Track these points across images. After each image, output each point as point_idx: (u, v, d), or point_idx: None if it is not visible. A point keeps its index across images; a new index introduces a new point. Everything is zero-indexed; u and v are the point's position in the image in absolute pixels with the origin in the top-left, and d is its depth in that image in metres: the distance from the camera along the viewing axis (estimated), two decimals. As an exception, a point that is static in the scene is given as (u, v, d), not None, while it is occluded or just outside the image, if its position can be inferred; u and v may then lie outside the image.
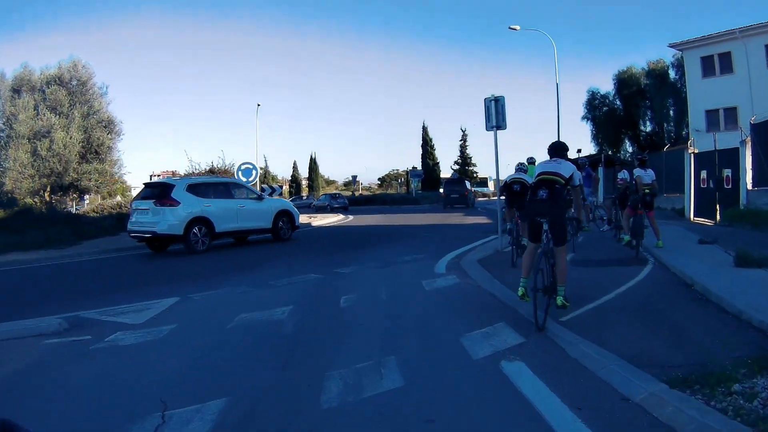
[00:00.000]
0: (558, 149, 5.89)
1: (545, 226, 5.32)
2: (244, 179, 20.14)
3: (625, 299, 6.25)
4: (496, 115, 10.04)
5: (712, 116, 29.92)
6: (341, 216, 29.20)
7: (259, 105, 34.53)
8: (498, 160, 10.38)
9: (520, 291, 5.48)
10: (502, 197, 10.19)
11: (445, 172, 65.03)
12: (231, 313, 6.17)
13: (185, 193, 12.78)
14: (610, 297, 6.33)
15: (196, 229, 12.71)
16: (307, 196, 57.98)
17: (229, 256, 12.44)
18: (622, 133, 42.36)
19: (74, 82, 26.39)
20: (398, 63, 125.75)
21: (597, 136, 41.72)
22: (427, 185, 58.53)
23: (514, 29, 32.78)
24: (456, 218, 23.75)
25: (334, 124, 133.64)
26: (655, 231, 10.10)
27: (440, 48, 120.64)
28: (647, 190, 9.87)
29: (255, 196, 14.87)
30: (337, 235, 16.39)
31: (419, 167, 60.18)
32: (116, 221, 22.15)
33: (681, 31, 79.14)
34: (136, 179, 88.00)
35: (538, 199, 5.43)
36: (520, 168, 10.05)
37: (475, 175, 62.55)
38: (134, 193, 56.83)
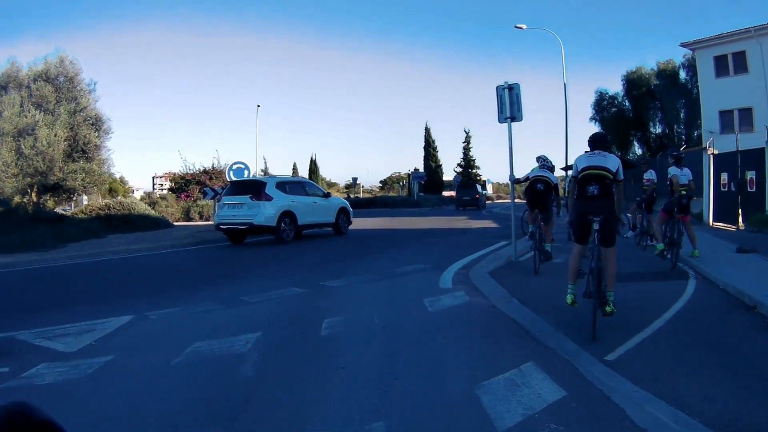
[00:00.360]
0: (600, 141, 5.37)
1: (596, 226, 4.87)
2: (235, 179, 19.30)
3: (680, 327, 4.97)
4: (510, 105, 8.66)
5: (726, 117, 28.98)
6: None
7: (259, 106, 33.43)
8: (512, 156, 8.99)
9: (569, 298, 5.13)
10: (518, 198, 8.93)
11: (448, 175, 63.52)
12: (185, 340, 4.93)
13: (275, 190, 14.14)
14: (660, 324, 5.05)
15: (284, 222, 14.06)
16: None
17: (206, 261, 11.22)
18: (631, 135, 41.21)
19: (61, 78, 25.21)
20: (401, 63, 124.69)
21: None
22: (430, 188, 56.78)
23: (521, 28, 31.69)
24: (461, 222, 22.44)
25: (336, 126, 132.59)
26: (691, 239, 8.85)
27: (444, 48, 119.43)
28: (684, 192, 8.61)
29: (323, 194, 16.38)
30: (328, 241, 15.04)
31: (421, 169, 58.48)
32: (104, 223, 21.58)
33: (692, 31, 77.34)
34: (137, 181, 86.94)
35: (588, 196, 5.01)
36: (543, 164, 8.76)
37: (478, 178, 61.08)
38: (137, 194, 56.62)
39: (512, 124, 8.86)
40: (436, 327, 5.19)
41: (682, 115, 37.97)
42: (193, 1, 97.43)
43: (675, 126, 38.84)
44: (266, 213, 13.72)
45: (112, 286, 8.46)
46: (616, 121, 40.02)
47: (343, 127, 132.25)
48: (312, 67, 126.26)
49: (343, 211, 16.57)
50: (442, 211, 36.50)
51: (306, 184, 16.55)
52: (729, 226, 15.75)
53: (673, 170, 8.61)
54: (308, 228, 15.39)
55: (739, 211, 15.60)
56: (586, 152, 5.55)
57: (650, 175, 10.67)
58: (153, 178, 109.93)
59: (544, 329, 4.83)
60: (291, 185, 15.18)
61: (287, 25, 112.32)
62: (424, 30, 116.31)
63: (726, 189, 16.76)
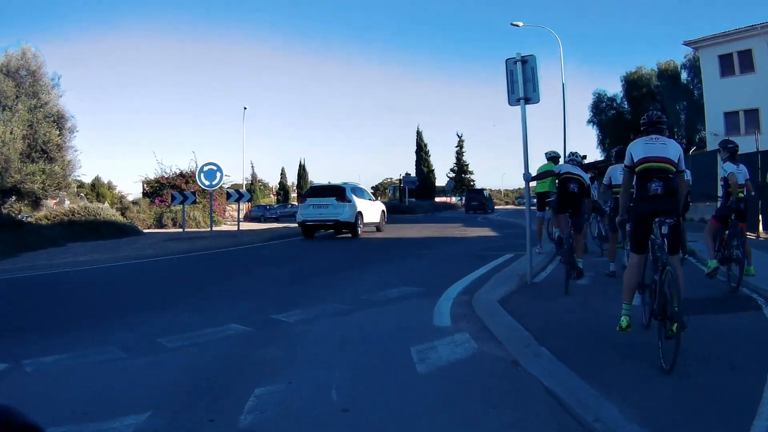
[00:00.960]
0: (656, 123, 4.48)
1: (665, 230, 4.06)
2: (206, 182, 18.37)
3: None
4: (523, 83, 6.65)
5: (731, 119, 27.83)
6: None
7: (245, 108, 32.09)
8: (527, 148, 6.78)
9: (624, 321, 4.24)
10: (533, 204, 7.29)
11: (441, 180, 61.69)
12: (43, 419, 2.94)
13: (351, 194, 16.96)
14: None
15: (358, 220, 16.89)
16: (293, 204, 54.20)
17: (155, 276, 9.35)
18: (630, 138, 39.61)
19: (23, 72, 23.18)
20: (392, 66, 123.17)
21: (603, 141, 39.04)
22: (423, 193, 54.59)
23: (517, 25, 30.27)
24: (456, 230, 20.60)
25: (326, 130, 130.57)
26: (746, 253, 7.03)
27: (436, 50, 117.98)
28: (741, 194, 6.84)
29: (371, 198, 19.75)
30: (299, 253, 13.15)
31: (413, 174, 56.38)
32: (67, 229, 19.98)
33: (693, 31, 75.94)
34: (127, 186, 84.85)
35: (652, 194, 4.21)
36: (572, 159, 7.28)
37: (472, 183, 59.41)
38: (130, 199, 55.25)
39: (526, 108, 6.86)
40: (428, 411, 3.19)
41: (683, 117, 36.55)
42: (181, 6, 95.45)
43: (676, 129, 37.41)
44: (349, 212, 16.49)
45: (17, 315, 6.57)
46: (614, 123, 38.62)
47: (334, 131, 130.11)
48: (302, 71, 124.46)
49: (383, 213, 19.97)
50: (435, 217, 34.54)
51: (363, 190, 19.13)
52: (747, 233, 14.28)
53: (728, 167, 6.82)
54: (366, 226, 18.00)
55: (759, 217, 14.15)
56: (641, 137, 4.51)
57: (685, 175, 8.89)
58: (142, 183, 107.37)
59: (604, 411, 2.95)
60: (357, 190, 17.92)
61: (275, 29, 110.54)
62: (416, 31, 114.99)
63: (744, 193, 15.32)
